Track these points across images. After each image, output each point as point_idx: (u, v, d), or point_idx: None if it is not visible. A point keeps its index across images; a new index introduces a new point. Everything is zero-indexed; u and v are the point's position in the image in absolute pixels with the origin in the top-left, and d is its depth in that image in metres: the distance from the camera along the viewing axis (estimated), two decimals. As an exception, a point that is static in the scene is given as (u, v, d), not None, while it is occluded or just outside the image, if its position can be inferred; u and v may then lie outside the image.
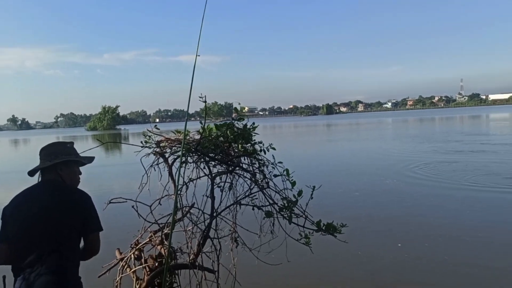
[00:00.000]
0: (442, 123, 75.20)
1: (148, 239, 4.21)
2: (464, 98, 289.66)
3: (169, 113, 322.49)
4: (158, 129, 4.26)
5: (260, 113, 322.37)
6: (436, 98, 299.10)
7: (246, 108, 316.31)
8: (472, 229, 9.59)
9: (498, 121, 70.84)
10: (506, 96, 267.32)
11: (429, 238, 9.09)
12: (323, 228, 4.00)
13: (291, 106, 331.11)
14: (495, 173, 16.41)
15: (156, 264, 4.10)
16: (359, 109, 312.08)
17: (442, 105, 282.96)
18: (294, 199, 3.98)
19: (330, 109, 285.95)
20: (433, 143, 32.16)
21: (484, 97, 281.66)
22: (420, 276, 7.19)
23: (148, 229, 4.21)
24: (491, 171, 16.94)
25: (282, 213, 4.04)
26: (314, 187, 3.88)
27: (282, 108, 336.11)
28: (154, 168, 4.23)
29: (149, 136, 4.17)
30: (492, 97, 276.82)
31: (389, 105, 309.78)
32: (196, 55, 3.64)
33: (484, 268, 7.33)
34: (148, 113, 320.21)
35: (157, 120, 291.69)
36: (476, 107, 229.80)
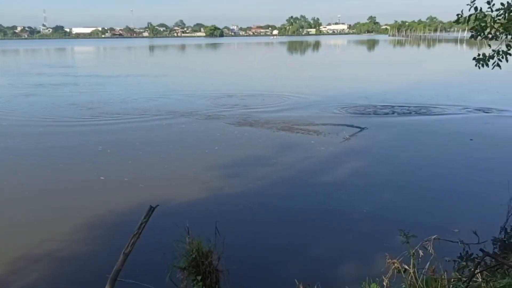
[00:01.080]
0: (27, 55, 72.21)
1: None
2: (49, 30, 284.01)
3: None
4: None
5: None
6: (19, 29, 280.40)
7: None
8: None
9: (82, 54, 73.49)
10: (89, 30, 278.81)
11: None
12: None
13: None
14: (75, 104, 16.40)
15: None
16: None
17: (26, 36, 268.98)
18: None
19: None
20: (12, 77, 30.01)
21: (68, 30, 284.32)
22: None
23: None
24: (71, 102, 16.91)
25: None
26: None
27: None
28: None
29: None
30: (75, 30, 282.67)
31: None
32: None
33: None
34: None
35: None
36: (61, 39, 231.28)
